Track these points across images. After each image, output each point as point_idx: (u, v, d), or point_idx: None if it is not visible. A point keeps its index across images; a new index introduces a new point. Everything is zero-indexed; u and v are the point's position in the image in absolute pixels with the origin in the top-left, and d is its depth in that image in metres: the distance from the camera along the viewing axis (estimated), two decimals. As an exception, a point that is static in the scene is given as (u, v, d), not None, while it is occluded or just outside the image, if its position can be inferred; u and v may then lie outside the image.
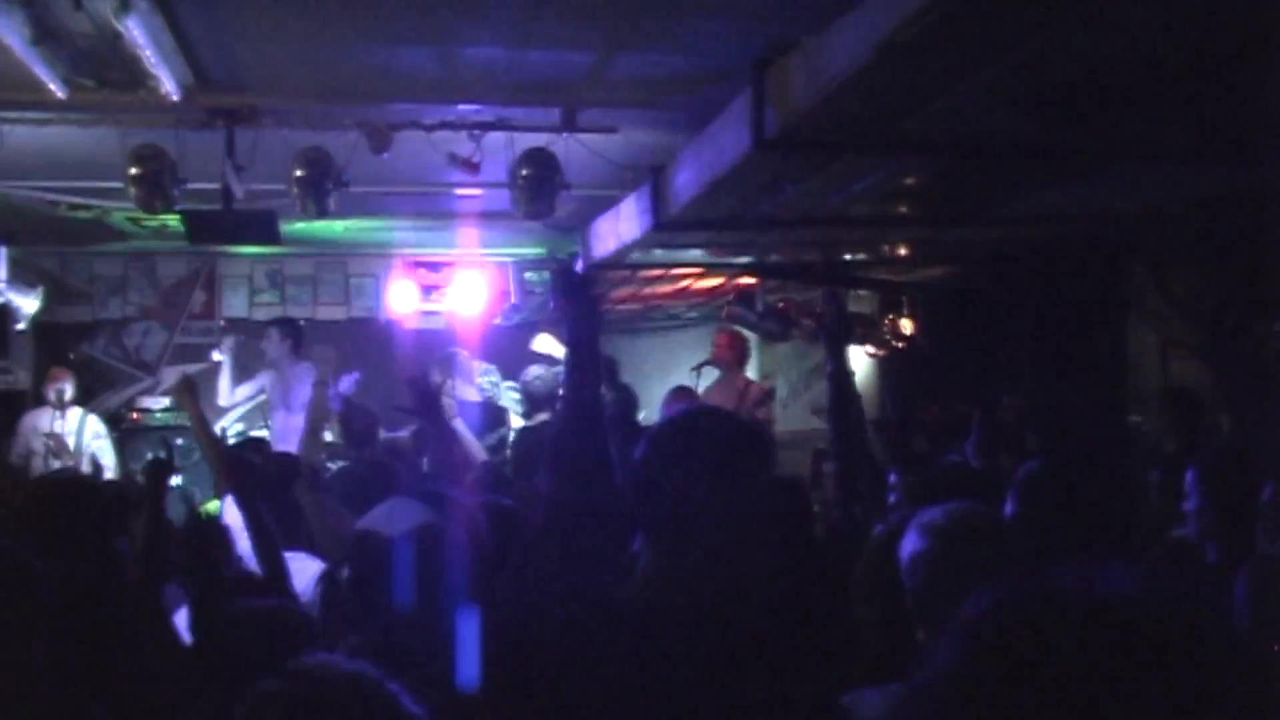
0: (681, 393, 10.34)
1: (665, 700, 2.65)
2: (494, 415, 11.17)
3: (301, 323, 13.50)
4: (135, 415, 13.50)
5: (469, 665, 3.14)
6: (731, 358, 12.43)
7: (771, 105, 6.56)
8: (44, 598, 3.65)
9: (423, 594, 3.68)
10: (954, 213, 9.35)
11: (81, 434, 11.79)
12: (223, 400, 12.22)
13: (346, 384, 10.26)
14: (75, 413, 11.92)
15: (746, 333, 12.96)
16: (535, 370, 10.59)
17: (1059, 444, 9.57)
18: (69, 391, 11.86)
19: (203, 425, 7.59)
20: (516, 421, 11.08)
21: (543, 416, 10.01)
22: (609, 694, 2.66)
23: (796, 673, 2.91)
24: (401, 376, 7.35)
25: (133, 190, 8.28)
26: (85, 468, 11.14)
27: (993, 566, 3.16)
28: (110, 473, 11.61)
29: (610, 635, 2.76)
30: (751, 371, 14.57)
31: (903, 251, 11.14)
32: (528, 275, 13.94)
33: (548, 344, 11.38)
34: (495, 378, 10.93)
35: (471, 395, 9.95)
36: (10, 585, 3.60)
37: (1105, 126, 6.85)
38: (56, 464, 11.25)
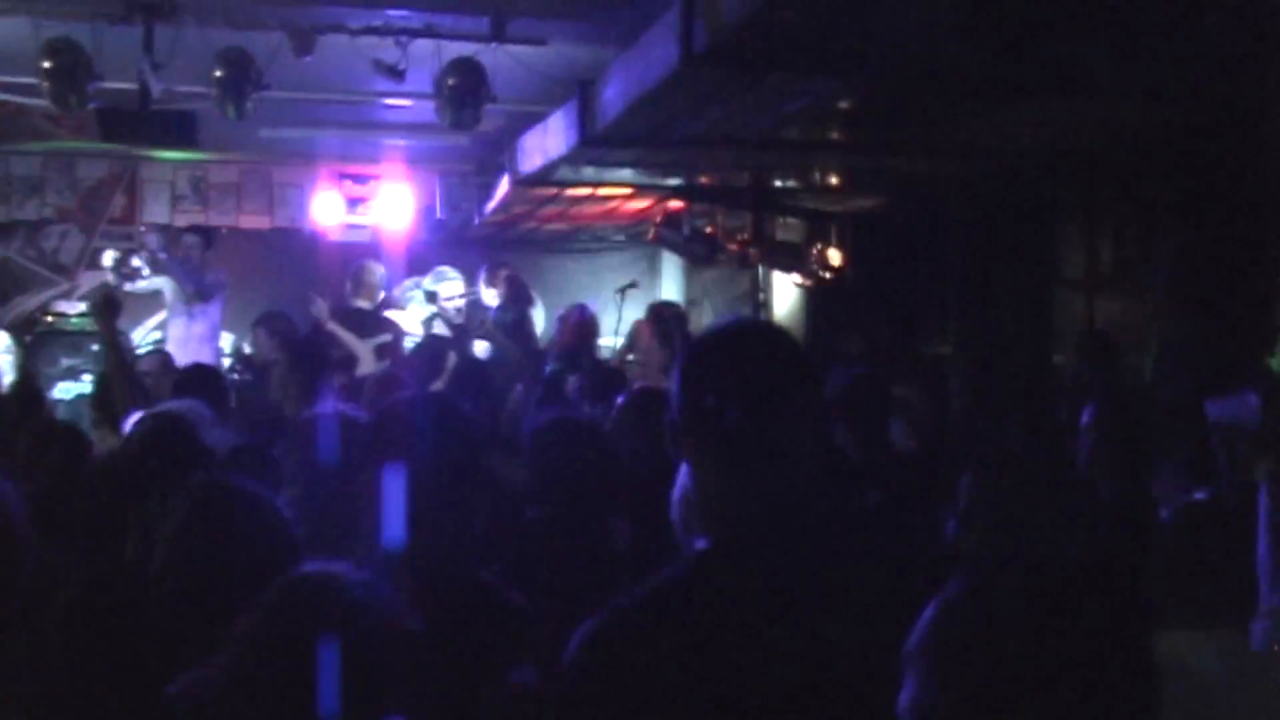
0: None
1: None
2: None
3: (224, 230, 13.38)
4: (50, 319, 13.27)
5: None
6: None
7: (701, 18, 6.43)
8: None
9: None
10: (885, 140, 9.26)
11: None
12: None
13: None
14: None
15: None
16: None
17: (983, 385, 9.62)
18: None
19: (114, 345, 7.44)
20: None
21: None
22: None
23: None
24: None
25: (45, 85, 8.07)
26: None
27: None
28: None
29: None
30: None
31: (833, 179, 11.05)
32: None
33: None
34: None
35: (364, 304, 10.02)
36: None
37: (1045, 56, 6.74)
38: None
